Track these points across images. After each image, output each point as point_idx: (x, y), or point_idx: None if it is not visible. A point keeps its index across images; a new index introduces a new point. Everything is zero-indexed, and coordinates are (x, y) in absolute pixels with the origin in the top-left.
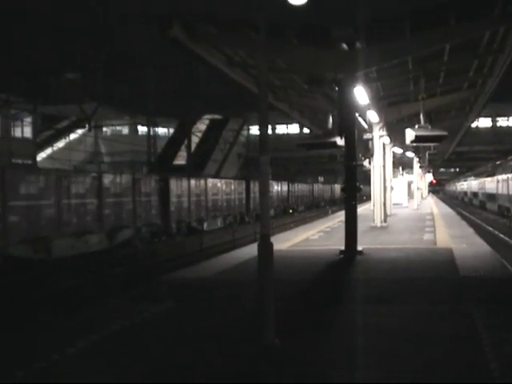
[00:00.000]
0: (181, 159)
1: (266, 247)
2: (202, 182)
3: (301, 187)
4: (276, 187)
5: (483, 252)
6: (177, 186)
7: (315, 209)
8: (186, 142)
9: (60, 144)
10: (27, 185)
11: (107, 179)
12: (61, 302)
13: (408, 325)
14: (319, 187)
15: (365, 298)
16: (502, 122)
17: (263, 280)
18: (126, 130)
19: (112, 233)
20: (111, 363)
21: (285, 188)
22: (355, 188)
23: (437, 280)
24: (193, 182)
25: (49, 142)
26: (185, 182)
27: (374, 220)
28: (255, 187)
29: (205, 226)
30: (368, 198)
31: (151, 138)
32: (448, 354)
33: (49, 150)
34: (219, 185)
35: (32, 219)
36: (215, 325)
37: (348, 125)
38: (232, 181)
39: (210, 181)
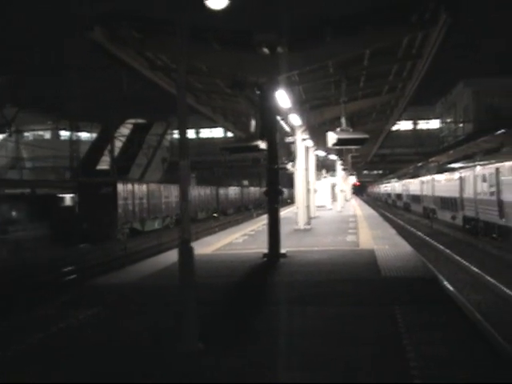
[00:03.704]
0: (104, 164)
1: (186, 252)
2: None
3: (204, 191)
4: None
5: (405, 252)
6: None
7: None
8: (109, 146)
9: None
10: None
11: None
12: None
13: (332, 326)
14: (226, 191)
15: (289, 300)
16: (423, 124)
17: (184, 284)
18: (48, 135)
19: None
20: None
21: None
22: (277, 191)
23: (360, 281)
24: None
25: None
26: None
27: (297, 222)
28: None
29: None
30: (292, 201)
31: (74, 143)
32: (371, 355)
33: None
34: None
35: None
36: (139, 330)
37: (270, 128)
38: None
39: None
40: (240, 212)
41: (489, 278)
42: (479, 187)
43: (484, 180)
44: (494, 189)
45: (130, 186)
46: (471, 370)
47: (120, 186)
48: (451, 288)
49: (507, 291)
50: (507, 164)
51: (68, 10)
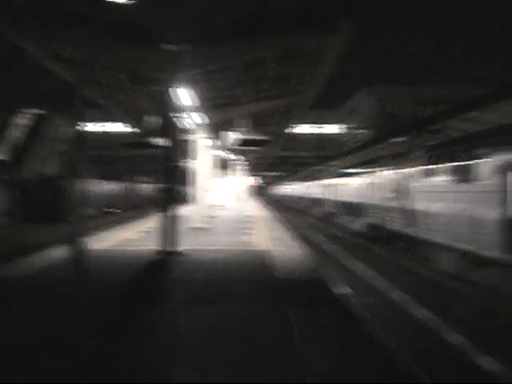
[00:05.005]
0: None
1: (78, 247)
2: None
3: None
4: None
5: (300, 254)
6: None
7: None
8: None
9: None
10: None
11: None
12: None
13: (227, 325)
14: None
15: (185, 298)
16: (324, 128)
17: (76, 279)
18: None
19: None
20: None
21: None
22: (174, 189)
23: (255, 281)
24: None
25: None
26: None
27: (195, 221)
28: None
29: None
30: (192, 199)
31: None
32: (263, 354)
33: None
34: None
35: None
36: (28, 327)
37: (170, 125)
38: None
39: None
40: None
41: (384, 283)
42: (386, 193)
43: (392, 186)
44: (403, 195)
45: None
46: (361, 371)
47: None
48: (344, 291)
49: (401, 295)
50: (419, 169)
51: None
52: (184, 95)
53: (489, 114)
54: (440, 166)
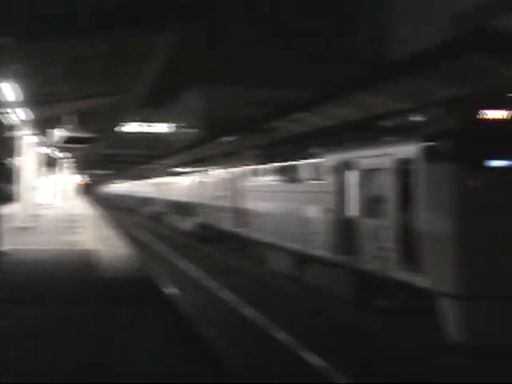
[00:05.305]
0: None
1: None
2: None
3: None
4: None
5: (126, 254)
6: None
7: None
8: None
9: None
10: None
11: None
12: None
13: (52, 327)
14: None
15: (7, 299)
16: (154, 127)
17: None
18: None
19: None
20: None
21: None
22: None
23: (82, 281)
24: None
25: None
26: None
27: (20, 220)
28: None
29: None
30: (18, 198)
31: None
32: (97, 355)
33: None
34: None
35: None
36: None
37: None
38: None
39: None
40: None
41: (213, 282)
42: (217, 193)
43: (222, 185)
44: (233, 195)
45: None
46: (189, 370)
47: None
48: (172, 290)
49: (229, 294)
50: (250, 169)
51: None
52: (7, 90)
53: (312, 116)
54: (272, 165)
